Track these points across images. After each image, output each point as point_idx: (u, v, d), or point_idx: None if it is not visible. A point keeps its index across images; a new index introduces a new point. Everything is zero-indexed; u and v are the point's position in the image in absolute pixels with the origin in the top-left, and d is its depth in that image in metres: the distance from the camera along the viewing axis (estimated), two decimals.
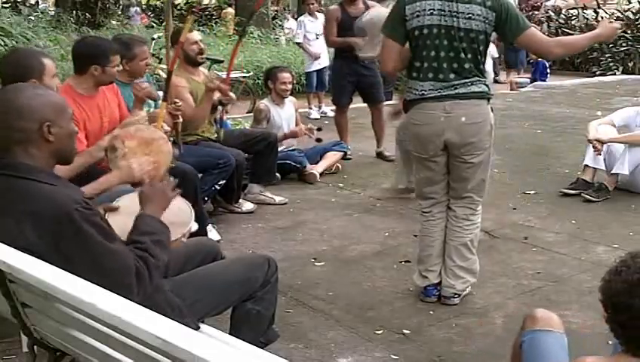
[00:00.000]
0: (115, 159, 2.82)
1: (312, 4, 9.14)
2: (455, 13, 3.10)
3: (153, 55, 9.51)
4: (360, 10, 6.36)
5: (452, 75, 3.17)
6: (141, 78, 4.18)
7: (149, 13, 19.57)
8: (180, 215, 2.36)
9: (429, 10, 3.13)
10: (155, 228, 2.04)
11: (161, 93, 4.29)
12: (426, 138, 3.27)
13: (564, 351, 1.98)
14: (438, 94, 3.18)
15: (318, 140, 6.20)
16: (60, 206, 1.81)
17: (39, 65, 2.94)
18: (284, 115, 5.75)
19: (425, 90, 3.21)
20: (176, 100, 4.16)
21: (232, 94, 4.93)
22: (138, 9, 19.87)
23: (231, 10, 17.90)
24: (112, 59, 3.44)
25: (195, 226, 2.46)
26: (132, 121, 3.33)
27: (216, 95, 4.75)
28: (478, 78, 3.20)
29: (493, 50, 13.09)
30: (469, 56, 3.15)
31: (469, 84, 3.18)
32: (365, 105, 6.87)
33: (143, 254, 1.92)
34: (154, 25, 16.54)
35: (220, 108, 4.87)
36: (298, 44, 9.56)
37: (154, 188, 2.19)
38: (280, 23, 18.26)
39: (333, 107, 9.34)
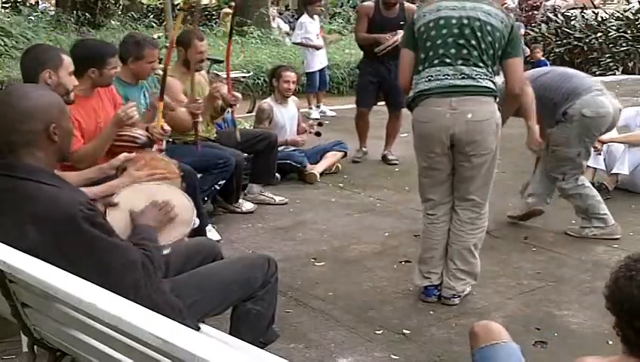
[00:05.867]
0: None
1: (319, 6, 9.17)
2: (473, 8, 3.13)
3: None
4: (394, 12, 6.17)
5: (460, 61, 3.13)
6: (152, 78, 4.21)
7: (150, 14, 19.44)
8: (182, 213, 2.37)
9: (436, 8, 3.18)
10: (152, 237, 2.10)
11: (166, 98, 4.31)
12: (431, 135, 3.21)
13: (513, 358, 1.95)
14: (446, 82, 3.12)
15: (318, 134, 6.16)
16: (63, 208, 1.81)
17: (56, 57, 2.94)
18: (287, 114, 5.75)
19: (432, 75, 3.16)
20: (198, 98, 4.16)
21: (237, 93, 4.94)
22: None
23: (228, 10, 17.87)
24: (110, 61, 3.43)
25: (197, 222, 2.48)
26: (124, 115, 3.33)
27: (223, 92, 4.77)
28: (486, 73, 3.16)
29: None
30: (482, 45, 3.12)
31: (477, 76, 3.13)
32: (379, 107, 6.83)
33: (146, 252, 1.97)
34: (154, 25, 16.53)
35: (228, 109, 4.87)
36: (297, 43, 9.61)
37: (149, 209, 2.26)
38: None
39: (332, 106, 9.36)
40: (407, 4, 6.28)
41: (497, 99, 3.25)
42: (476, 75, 3.13)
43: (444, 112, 3.14)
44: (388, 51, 6.14)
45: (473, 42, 3.11)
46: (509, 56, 3.20)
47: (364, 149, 6.65)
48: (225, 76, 4.78)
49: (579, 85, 4.18)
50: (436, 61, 3.16)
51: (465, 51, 3.12)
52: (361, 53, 6.70)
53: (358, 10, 6.92)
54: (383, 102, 6.72)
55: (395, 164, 6.41)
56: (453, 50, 3.13)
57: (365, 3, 6.75)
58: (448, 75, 3.13)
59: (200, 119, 4.23)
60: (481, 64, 3.14)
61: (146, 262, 1.92)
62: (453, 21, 3.14)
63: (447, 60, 3.14)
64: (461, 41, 3.12)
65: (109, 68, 3.43)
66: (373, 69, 6.38)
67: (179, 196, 2.44)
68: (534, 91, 4.08)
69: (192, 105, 4.12)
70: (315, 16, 9.23)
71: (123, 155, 2.99)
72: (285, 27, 16.69)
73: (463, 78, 3.13)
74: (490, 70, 3.19)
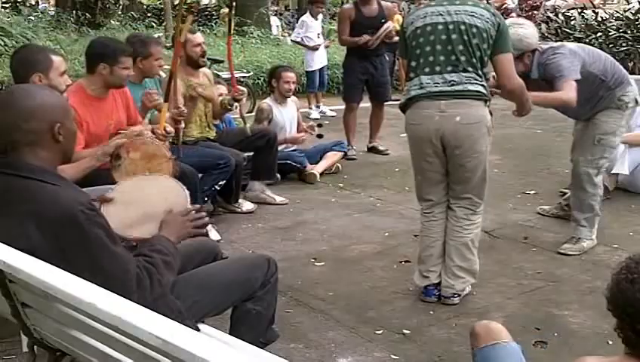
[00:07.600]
0: (118, 167, 2.96)
1: (321, 7, 9.24)
2: (457, 12, 3.16)
3: None
4: (374, 11, 6.42)
5: (449, 68, 3.17)
6: (151, 79, 4.21)
7: (149, 14, 19.40)
8: (177, 201, 2.36)
9: (423, 15, 3.24)
10: (167, 250, 2.05)
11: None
12: (422, 138, 3.27)
13: (514, 358, 1.94)
14: (436, 89, 3.18)
15: (320, 136, 6.21)
16: (64, 207, 1.80)
17: (46, 60, 2.94)
18: (287, 114, 5.75)
19: (423, 83, 3.21)
20: (180, 106, 4.17)
21: (242, 88, 4.94)
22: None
23: (228, 10, 17.87)
24: (122, 60, 3.43)
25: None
26: (130, 133, 3.34)
27: (222, 92, 4.78)
28: (476, 77, 3.19)
29: None
30: (470, 49, 3.15)
31: (466, 81, 3.17)
32: (367, 104, 6.90)
33: (148, 266, 1.92)
34: (154, 25, 16.52)
35: (235, 104, 4.87)
36: (296, 42, 9.67)
37: (175, 218, 2.20)
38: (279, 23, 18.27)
39: (332, 106, 9.41)
40: (384, 3, 6.55)
41: (488, 103, 3.28)
42: (466, 80, 3.18)
43: (433, 115, 3.20)
44: (372, 49, 6.41)
45: (460, 47, 3.16)
46: (498, 53, 3.22)
47: (354, 147, 6.77)
48: (225, 76, 4.78)
49: (625, 73, 4.10)
50: (427, 69, 3.21)
51: (453, 57, 3.17)
52: None
53: (339, 13, 7.13)
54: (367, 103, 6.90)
55: (387, 154, 6.59)
56: (442, 58, 3.18)
57: (346, 6, 7.09)
58: (438, 84, 3.19)
59: (182, 125, 4.22)
60: (470, 68, 3.18)
61: (141, 276, 1.88)
62: (440, 27, 3.18)
63: (437, 68, 3.19)
64: (449, 47, 3.17)
65: (120, 66, 3.42)
66: (362, 67, 6.61)
67: (172, 185, 2.46)
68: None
69: (174, 112, 4.12)
70: (319, 16, 9.29)
71: (114, 142, 3.01)
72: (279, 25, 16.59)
73: (453, 84, 3.18)
74: (480, 73, 3.22)
